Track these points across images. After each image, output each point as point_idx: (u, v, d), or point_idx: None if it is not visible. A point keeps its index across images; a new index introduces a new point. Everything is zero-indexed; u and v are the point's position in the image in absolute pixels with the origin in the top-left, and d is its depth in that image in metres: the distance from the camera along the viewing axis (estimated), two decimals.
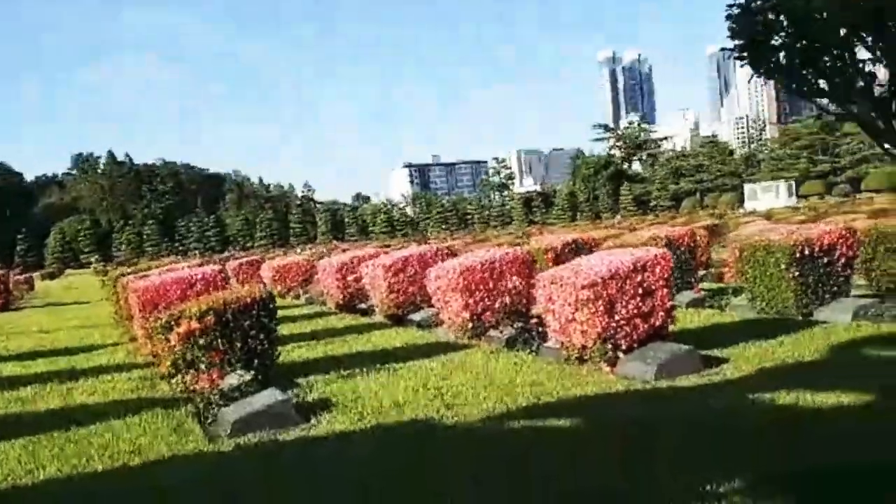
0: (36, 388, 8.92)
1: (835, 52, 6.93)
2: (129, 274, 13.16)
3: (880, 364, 6.57)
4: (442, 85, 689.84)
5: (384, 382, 7.64)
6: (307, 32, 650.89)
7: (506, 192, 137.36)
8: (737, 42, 5.82)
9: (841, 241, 9.34)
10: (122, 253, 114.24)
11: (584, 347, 7.57)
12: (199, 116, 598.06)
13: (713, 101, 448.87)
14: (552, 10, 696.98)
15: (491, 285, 10.22)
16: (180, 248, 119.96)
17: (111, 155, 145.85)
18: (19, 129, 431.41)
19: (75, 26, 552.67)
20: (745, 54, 5.84)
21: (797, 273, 9.07)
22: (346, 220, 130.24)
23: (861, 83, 9.17)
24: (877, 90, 9.96)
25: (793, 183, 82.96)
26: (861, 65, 9.20)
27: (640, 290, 7.41)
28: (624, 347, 7.33)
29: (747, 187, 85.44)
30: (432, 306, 12.47)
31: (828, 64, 7.16)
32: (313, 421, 6.36)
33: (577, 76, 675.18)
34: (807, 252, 9.09)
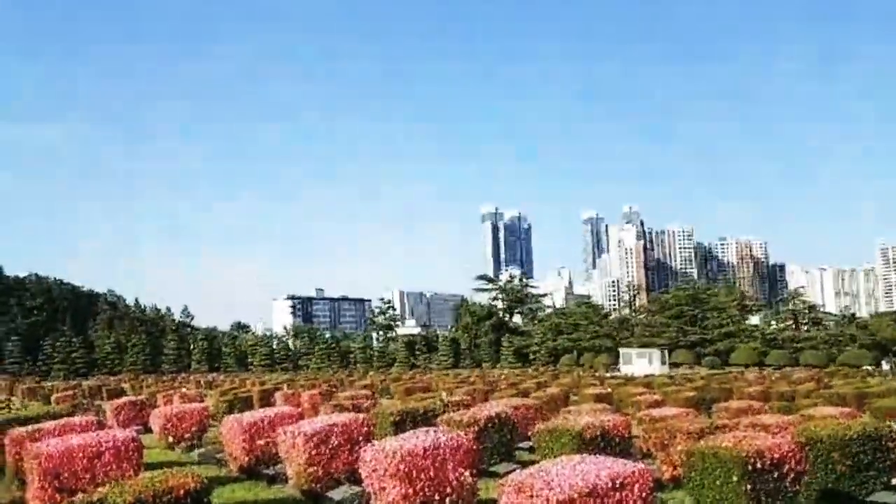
0: None
1: None
2: (15, 423, 11.43)
3: None
4: (326, 220, 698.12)
5: None
6: (194, 155, 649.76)
7: (390, 333, 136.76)
8: None
9: (790, 454, 9.42)
10: None
11: None
12: (77, 234, 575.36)
13: (586, 262, 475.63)
14: (435, 160, 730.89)
15: (433, 474, 9.56)
16: (43, 367, 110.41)
17: None
18: None
19: None
20: None
21: (749, 487, 9.00)
22: (224, 349, 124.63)
23: None
24: None
25: (665, 351, 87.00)
26: None
27: None
28: None
29: (622, 351, 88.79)
30: (355, 483, 11.58)
31: None
32: None
33: (460, 226, 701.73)
34: (758, 465, 9.07)
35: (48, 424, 10.75)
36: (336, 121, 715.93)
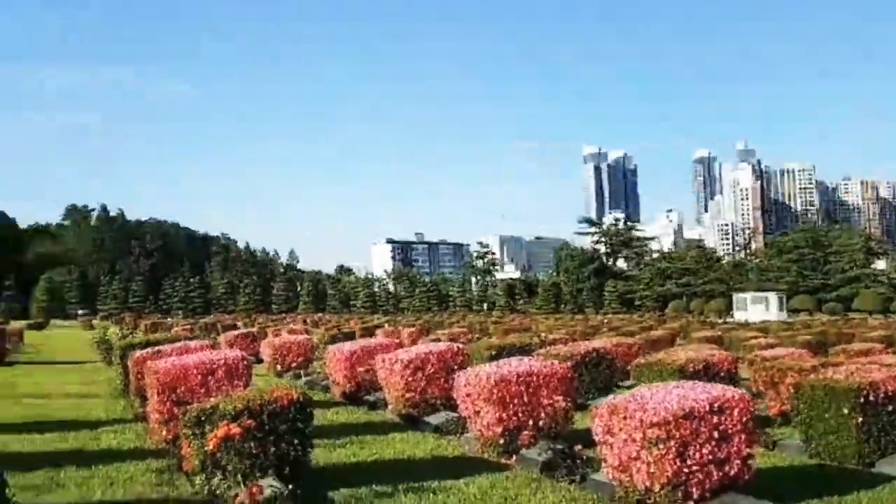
0: (49, 472, 8.08)
1: None
2: (137, 347, 12.37)
3: None
4: (427, 163, 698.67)
5: None
6: (297, 108, 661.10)
7: (489, 278, 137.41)
8: None
9: None
10: (108, 307, 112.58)
11: (648, 490, 6.92)
12: (194, 178, 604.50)
13: (697, 204, 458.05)
14: (540, 100, 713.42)
15: (527, 399, 9.59)
16: (164, 306, 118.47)
17: (104, 208, 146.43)
18: (12, 175, 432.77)
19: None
20: None
21: (861, 420, 8.57)
22: (329, 291, 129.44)
23: None
24: None
25: (783, 296, 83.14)
26: None
27: (717, 434, 6.83)
28: (695, 496, 6.64)
29: (736, 297, 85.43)
30: (451, 409, 11.79)
31: None
32: None
33: (561, 168, 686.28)
34: (871, 398, 8.61)
35: (166, 347, 11.58)
36: (432, 63, 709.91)
